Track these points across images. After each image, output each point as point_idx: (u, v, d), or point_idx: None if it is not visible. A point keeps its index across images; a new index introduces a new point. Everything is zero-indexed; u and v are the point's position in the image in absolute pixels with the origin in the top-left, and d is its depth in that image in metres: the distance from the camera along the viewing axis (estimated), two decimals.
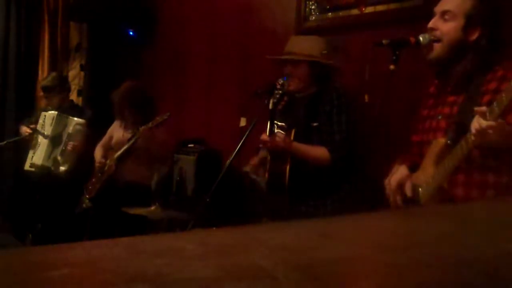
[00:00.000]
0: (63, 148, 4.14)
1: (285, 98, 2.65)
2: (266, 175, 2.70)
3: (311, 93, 2.70)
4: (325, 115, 2.61)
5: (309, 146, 2.60)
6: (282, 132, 2.62)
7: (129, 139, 3.58)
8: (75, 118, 4.15)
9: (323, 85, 2.69)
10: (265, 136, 2.57)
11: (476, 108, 1.61)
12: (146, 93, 3.78)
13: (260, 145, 2.70)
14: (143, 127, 3.42)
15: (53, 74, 4.49)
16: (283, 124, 2.68)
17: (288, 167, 2.59)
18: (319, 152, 2.58)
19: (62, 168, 4.13)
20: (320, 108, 2.63)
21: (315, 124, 2.62)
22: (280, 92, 2.56)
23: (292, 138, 2.62)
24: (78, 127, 4.13)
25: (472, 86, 1.85)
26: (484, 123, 1.55)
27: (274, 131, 2.58)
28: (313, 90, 2.70)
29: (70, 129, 4.15)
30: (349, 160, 2.63)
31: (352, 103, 2.63)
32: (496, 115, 1.54)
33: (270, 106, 2.52)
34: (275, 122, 2.61)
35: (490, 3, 1.90)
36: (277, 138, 2.56)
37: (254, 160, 2.79)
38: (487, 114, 1.56)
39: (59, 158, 4.14)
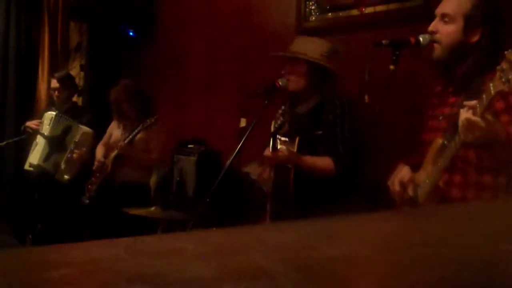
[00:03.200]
0: (69, 156, 4.11)
1: (287, 119, 2.67)
2: (271, 185, 2.70)
3: (314, 104, 2.70)
4: (328, 124, 2.60)
5: (312, 157, 2.58)
6: (285, 147, 2.62)
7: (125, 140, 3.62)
8: (83, 127, 4.13)
9: (326, 95, 2.68)
10: (268, 153, 2.57)
11: (465, 103, 1.62)
12: (143, 89, 3.82)
13: (264, 162, 2.70)
14: (120, 143, 3.48)
15: (65, 70, 4.52)
16: (286, 139, 2.68)
17: (292, 178, 2.59)
18: (324, 163, 2.56)
19: (66, 177, 4.09)
20: (323, 117, 2.62)
21: (319, 132, 2.62)
22: (282, 120, 2.57)
23: (296, 146, 2.61)
24: (85, 136, 4.11)
25: (472, 86, 1.85)
26: (472, 116, 1.56)
27: (277, 147, 2.58)
28: (315, 101, 2.70)
29: (77, 137, 4.12)
30: (354, 170, 2.62)
31: (355, 112, 2.62)
32: (483, 107, 1.55)
33: (272, 129, 2.54)
34: (278, 137, 2.62)
35: (490, 3, 1.89)
36: (280, 153, 2.56)
37: (263, 172, 2.78)
38: (477, 107, 1.56)
39: (63, 166, 4.11)
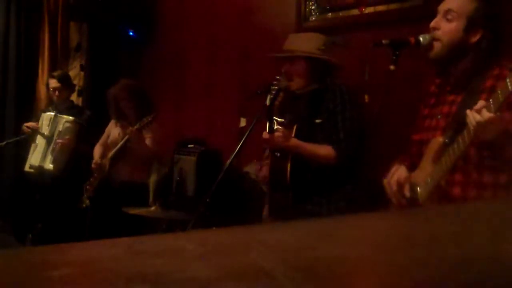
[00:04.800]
0: (53, 146, 4.14)
1: (281, 94, 2.62)
2: (268, 172, 2.68)
3: (313, 89, 2.67)
4: (328, 113, 2.56)
5: (313, 144, 2.55)
6: (282, 128, 2.59)
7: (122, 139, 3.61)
8: (65, 116, 4.16)
9: (325, 83, 2.65)
10: (266, 135, 2.54)
11: (480, 101, 1.62)
12: (143, 89, 3.82)
13: (263, 145, 2.67)
14: (130, 128, 3.45)
15: (63, 70, 4.54)
16: (283, 120, 2.66)
17: (289, 165, 2.56)
18: (324, 151, 2.53)
19: (50, 166, 4.13)
20: (323, 106, 2.59)
21: (318, 120, 2.59)
22: (276, 88, 2.53)
23: (293, 134, 2.58)
24: (67, 124, 4.14)
25: (471, 85, 1.86)
26: (486, 115, 1.56)
27: (273, 128, 2.54)
28: (314, 87, 2.67)
29: (60, 127, 4.16)
30: (354, 159, 2.60)
31: (356, 101, 2.60)
32: (498, 104, 1.55)
33: (267, 102, 2.49)
34: (275, 118, 2.58)
35: (493, 6, 1.90)
36: (277, 133, 2.53)
37: (263, 171, 2.76)
38: (491, 104, 1.57)
39: (49, 156, 4.14)
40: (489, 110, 1.57)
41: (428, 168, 1.89)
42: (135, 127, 3.42)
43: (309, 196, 2.58)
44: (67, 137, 4.10)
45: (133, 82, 3.82)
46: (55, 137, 4.16)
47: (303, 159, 2.55)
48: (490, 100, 1.57)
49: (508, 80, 1.51)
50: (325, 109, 2.58)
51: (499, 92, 1.54)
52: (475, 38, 1.86)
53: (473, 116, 1.61)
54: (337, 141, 2.53)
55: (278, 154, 2.62)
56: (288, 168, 2.56)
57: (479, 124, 1.59)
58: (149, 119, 3.38)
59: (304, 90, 2.68)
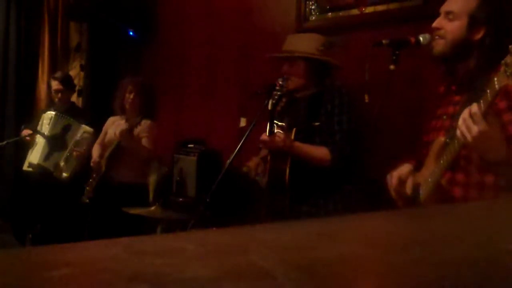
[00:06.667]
0: (68, 154, 4.12)
1: (284, 99, 2.64)
2: (266, 174, 2.69)
3: (312, 92, 2.69)
4: (326, 115, 2.59)
5: (310, 146, 2.58)
6: (282, 132, 2.61)
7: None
8: (84, 126, 4.14)
9: (324, 85, 2.67)
10: (265, 136, 2.55)
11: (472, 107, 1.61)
12: (152, 88, 3.86)
13: (260, 145, 2.68)
14: (120, 129, 3.46)
15: (65, 71, 4.54)
16: (283, 124, 2.67)
17: (288, 167, 2.58)
18: (320, 152, 2.56)
19: (64, 175, 4.11)
20: (321, 108, 2.61)
21: (316, 123, 2.61)
22: (279, 93, 2.54)
23: (293, 137, 2.61)
24: (86, 135, 4.12)
25: (475, 85, 1.85)
26: (474, 109, 1.54)
27: (274, 131, 2.56)
28: (314, 90, 2.68)
29: (78, 136, 4.13)
30: (351, 160, 2.61)
31: (354, 103, 2.61)
32: (488, 103, 1.54)
33: (269, 107, 2.51)
34: (275, 122, 2.60)
35: (495, 3, 1.89)
36: (277, 138, 2.54)
37: (254, 160, 2.78)
38: (481, 104, 1.55)
39: (62, 164, 4.11)
40: (478, 110, 1.55)
41: (430, 168, 1.89)
42: (126, 127, 3.44)
43: (307, 198, 2.60)
44: (84, 148, 4.09)
45: (147, 81, 3.85)
46: (70, 144, 4.13)
47: (302, 162, 2.56)
48: (481, 100, 1.55)
49: (496, 79, 1.50)
50: (323, 112, 2.60)
51: (488, 91, 1.53)
52: (478, 35, 1.85)
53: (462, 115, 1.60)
54: (332, 142, 2.55)
55: (277, 156, 2.63)
56: (287, 171, 2.57)
57: (462, 121, 1.58)
58: (137, 120, 3.39)
59: (304, 94, 2.69)
